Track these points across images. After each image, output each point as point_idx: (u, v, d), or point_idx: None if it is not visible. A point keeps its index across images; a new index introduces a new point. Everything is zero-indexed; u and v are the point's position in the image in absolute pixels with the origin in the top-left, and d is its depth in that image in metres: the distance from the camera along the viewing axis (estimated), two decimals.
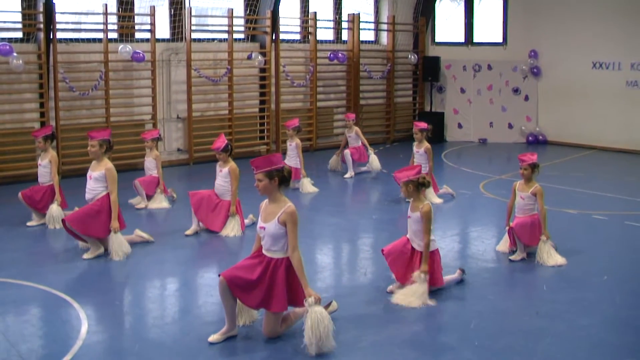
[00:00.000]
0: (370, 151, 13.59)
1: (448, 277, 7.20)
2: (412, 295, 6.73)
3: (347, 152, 13.48)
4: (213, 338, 5.84)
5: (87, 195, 8.33)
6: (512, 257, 8.20)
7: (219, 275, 5.78)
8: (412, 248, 7.04)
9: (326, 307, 6.30)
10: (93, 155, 8.31)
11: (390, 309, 6.65)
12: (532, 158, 8.33)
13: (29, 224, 9.74)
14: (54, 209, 9.56)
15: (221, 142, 9.44)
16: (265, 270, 5.78)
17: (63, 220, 8.40)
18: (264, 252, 5.88)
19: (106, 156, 8.34)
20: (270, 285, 5.77)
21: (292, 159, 12.19)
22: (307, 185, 12.14)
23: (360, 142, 13.55)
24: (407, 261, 7.01)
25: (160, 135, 11.82)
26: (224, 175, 9.40)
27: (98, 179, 8.23)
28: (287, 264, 5.78)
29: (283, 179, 5.80)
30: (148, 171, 11.12)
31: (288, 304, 5.84)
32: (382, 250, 7.17)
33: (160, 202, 10.83)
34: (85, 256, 8.21)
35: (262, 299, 5.77)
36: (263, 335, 5.92)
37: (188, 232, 9.37)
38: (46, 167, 9.74)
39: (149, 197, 10.90)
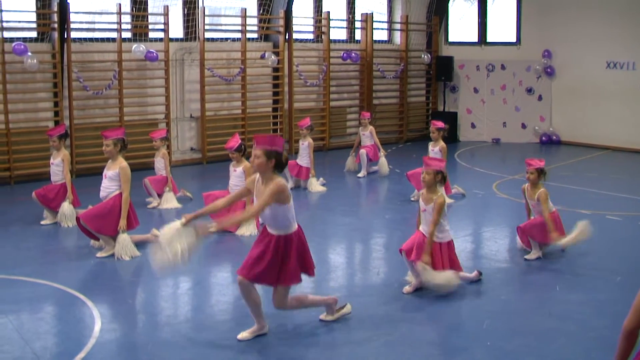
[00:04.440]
0: (382, 153, 13.56)
1: (464, 274, 7.20)
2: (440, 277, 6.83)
3: (362, 151, 13.45)
4: (242, 336, 5.86)
5: (101, 194, 8.38)
6: (527, 257, 8.19)
7: (237, 274, 5.78)
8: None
9: (339, 309, 6.30)
10: (108, 155, 8.36)
11: (403, 309, 6.65)
12: (540, 163, 8.29)
13: (42, 222, 9.80)
14: (66, 207, 9.61)
15: (235, 141, 9.46)
16: (275, 251, 5.72)
17: (77, 218, 8.46)
18: (269, 230, 5.83)
19: (121, 155, 8.37)
20: (282, 262, 5.74)
21: (304, 158, 12.18)
22: (315, 185, 12.14)
23: (373, 141, 13.52)
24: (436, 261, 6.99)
25: (167, 134, 11.82)
26: (238, 175, 9.42)
27: (112, 177, 8.27)
28: (296, 238, 5.76)
29: (279, 163, 5.72)
30: (158, 171, 11.14)
31: (301, 274, 5.88)
32: (401, 250, 7.11)
33: (170, 202, 10.84)
34: (99, 254, 8.25)
35: (277, 277, 5.75)
36: (273, 307, 5.95)
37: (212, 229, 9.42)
38: (58, 166, 9.79)
39: (159, 197, 10.93)
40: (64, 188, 9.74)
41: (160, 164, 11.08)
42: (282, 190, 5.63)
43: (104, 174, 8.38)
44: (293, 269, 5.76)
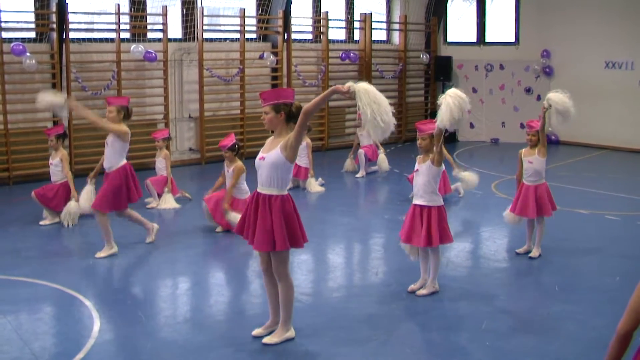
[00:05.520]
0: (381, 150, 13.57)
1: None
2: None
3: (360, 151, 13.45)
4: (257, 332, 5.86)
5: (105, 164, 8.29)
6: (518, 250, 8.32)
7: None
8: (420, 210, 6.85)
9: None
10: (111, 122, 8.25)
11: (402, 309, 6.64)
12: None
13: (42, 222, 9.78)
14: (72, 205, 9.56)
15: (229, 140, 9.44)
16: (263, 210, 5.46)
17: (94, 209, 8.32)
18: (259, 190, 5.56)
19: (124, 123, 8.24)
20: (270, 224, 5.43)
21: (302, 158, 12.15)
22: (313, 185, 12.14)
23: (372, 141, 13.51)
24: (419, 225, 6.83)
25: (169, 134, 11.83)
26: (230, 175, 9.38)
27: (113, 142, 8.15)
28: (282, 201, 5.46)
29: (290, 115, 5.53)
30: (159, 171, 11.14)
31: (288, 245, 5.50)
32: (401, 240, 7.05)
33: (168, 202, 10.83)
34: (98, 255, 8.23)
35: (265, 239, 5.46)
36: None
37: (219, 229, 9.45)
38: (57, 166, 9.79)
39: (159, 197, 10.93)
40: (63, 187, 9.73)
41: (161, 164, 11.08)
42: (299, 143, 5.47)
43: (106, 142, 8.27)
44: (278, 232, 5.42)
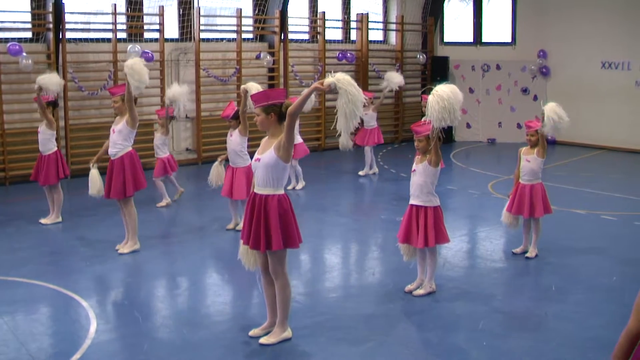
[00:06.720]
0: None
1: None
2: None
3: (367, 149, 13.34)
4: (254, 332, 5.88)
5: (111, 150, 8.29)
6: (515, 250, 8.35)
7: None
8: (416, 210, 6.89)
9: None
10: (117, 111, 8.32)
11: (399, 310, 6.64)
12: (539, 125, 8.33)
13: (42, 220, 9.73)
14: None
15: (231, 109, 9.50)
16: (259, 210, 5.51)
17: (119, 199, 8.33)
18: (255, 190, 5.60)
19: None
20: (266, 224, 5.49)
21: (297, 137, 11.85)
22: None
23: (375, 124, 13.35)
24: (415, 225, 6.87)
25: (174, 114, 11.67)
26: (234, 138, 9.43)
27: (121, 130, 8.19)
28: (279, 200, 5.51)
29: (281, 115, 5.56)
30: (157, 148, 11.06)
31: (284, 245, 5.53)
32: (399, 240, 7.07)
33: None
34: (121, 250, 8.32)
35: (260, 240, 5.52)
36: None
37: (230, 225, 9.46)
38: (44, 133, 9.71)
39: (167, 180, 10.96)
40: (49, 159, 9.61)
41: (159, 141, 11.02)
42: (292, 143, 5.51)
43: (112, 129, 8.30)
44: (275, 232, 5.46)
